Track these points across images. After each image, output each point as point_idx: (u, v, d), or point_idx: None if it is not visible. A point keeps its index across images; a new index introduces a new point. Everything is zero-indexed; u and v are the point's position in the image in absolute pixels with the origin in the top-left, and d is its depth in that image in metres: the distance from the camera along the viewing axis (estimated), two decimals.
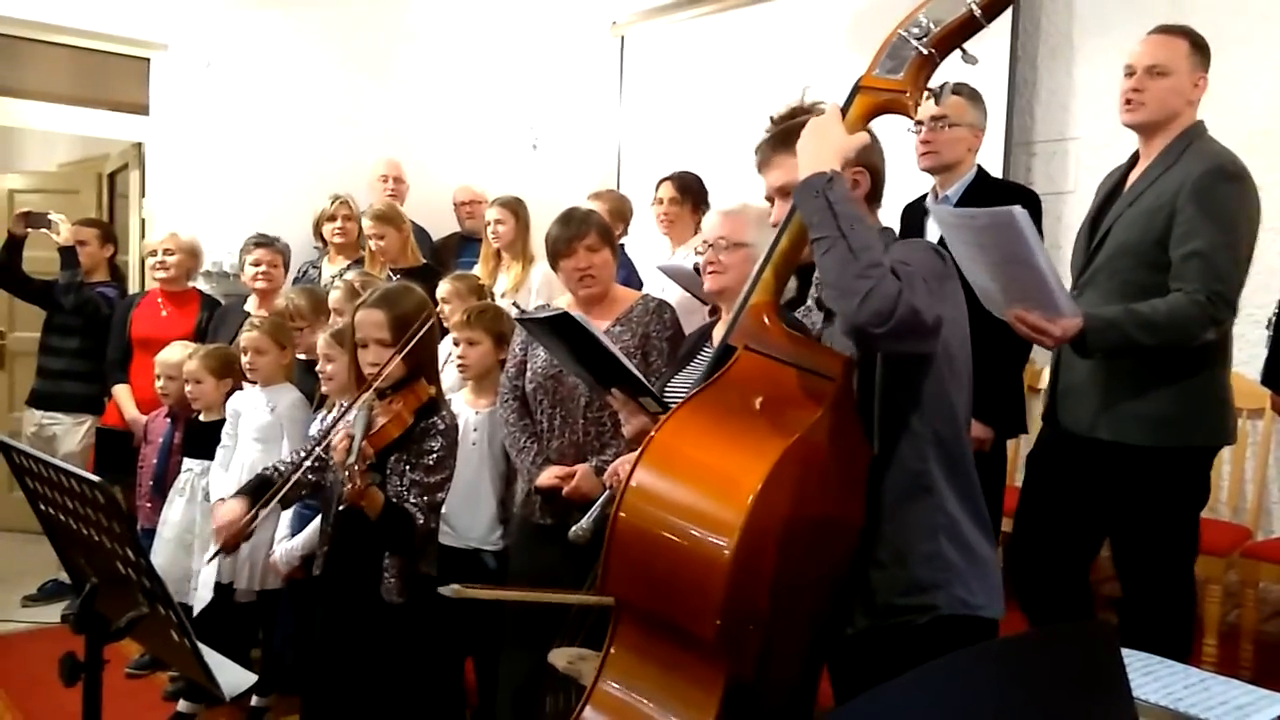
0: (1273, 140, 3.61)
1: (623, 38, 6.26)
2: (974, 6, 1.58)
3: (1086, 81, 4.31)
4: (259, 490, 2.46)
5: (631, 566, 1.53)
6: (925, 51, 1.61)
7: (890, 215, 1.99)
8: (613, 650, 1.60)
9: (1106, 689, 1.09)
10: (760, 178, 1.89)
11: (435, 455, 2.45)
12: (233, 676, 1.58)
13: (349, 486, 2.27)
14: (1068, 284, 2.77)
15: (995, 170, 3.44)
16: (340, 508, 2.42)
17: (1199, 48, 2.55)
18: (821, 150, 1.61)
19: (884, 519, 1.69)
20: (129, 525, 1.50)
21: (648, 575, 1.51)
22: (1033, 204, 2.99)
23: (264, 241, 4.11)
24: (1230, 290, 2.41)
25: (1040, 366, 3.88)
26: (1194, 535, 2.62)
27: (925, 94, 1.66)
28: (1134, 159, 2.66)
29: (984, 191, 2.99)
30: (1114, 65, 2.62)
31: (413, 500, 2.41)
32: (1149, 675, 1.60)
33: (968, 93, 3.02)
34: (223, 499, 3.17)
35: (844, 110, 1.67)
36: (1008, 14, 4.24)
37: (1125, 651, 1.20)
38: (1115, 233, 2.57)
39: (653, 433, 1.57)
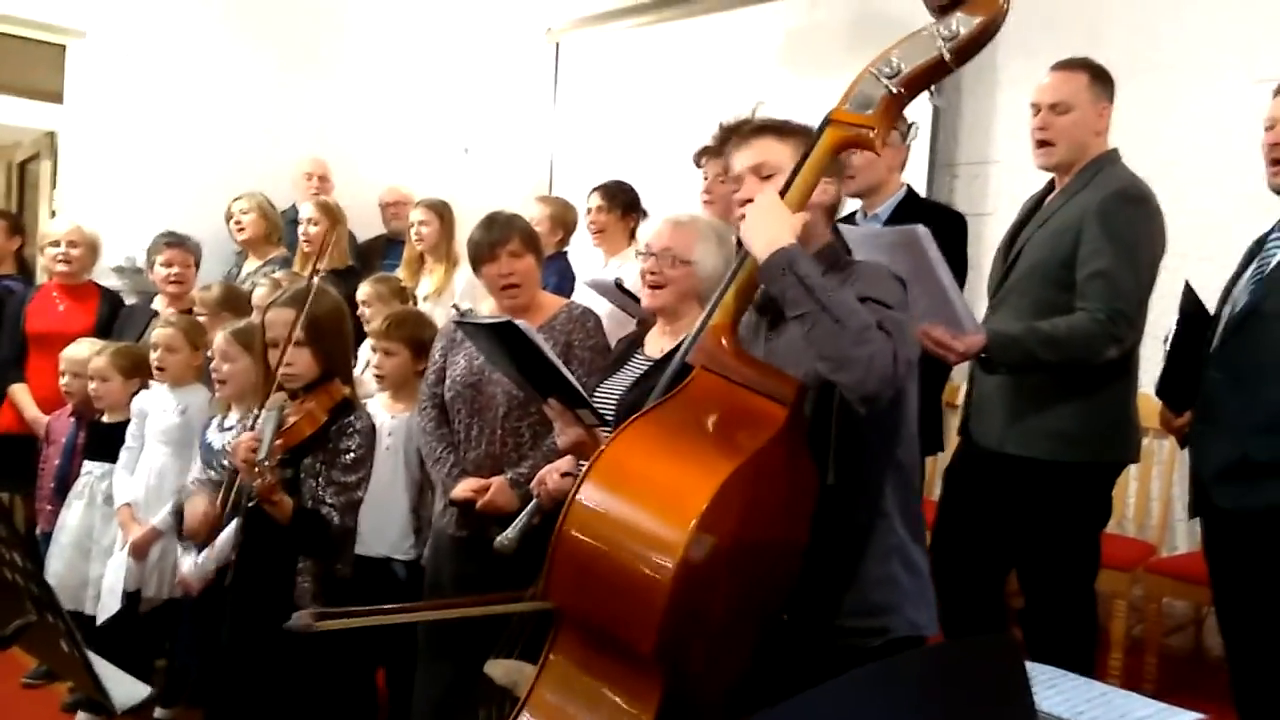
0: (1183, 169, 3.73)
1: (558, 44, 6.24)
2: (945, 52, 1.60)
3: (1008, 106, 4.40)
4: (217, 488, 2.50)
5: (575, 577, 1.53)
6: (895, 91, 1.63)
7: None
8: (551, 657, 1.60)
9: (1010, 702, 1.11)
10: (710, 170, 1.88)
11: (352, 455, 2.44)
12: (126, 688, 1.52)
13: (259, 481, 2.26)
14: (985, 302, 2.84)
15: (919, 191, 3.50)
16: (250, 504, 2.39)
17: (1099, 78, 2.62)
18: (774, 228, 1.60)
19: (840, 542, 1.70)
20: (16, 530, 1.44)
21: (591, 587, 1.52)
22: (959, 225, 3.05)
23: (174, 241, 3.94)
24: (1131, 309, 2.48)
25: (957, 384, 3.96)
26: (1095, 551, 2.69)
27: (892, 131, 1.69)
28: (1052, 183, 2.73)
29: (913, 211, 3.03)
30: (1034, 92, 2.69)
31: (329, 500, 2.40)
32: (1053, 689, 1.63)
33: None
34: (128, 504, 3.10)
35: (813, 142, 1.67)
36: None
37: (1031, 665, 1.21)
38: (1027, 253, 2.64)
39: (603, 446, 1.56)
